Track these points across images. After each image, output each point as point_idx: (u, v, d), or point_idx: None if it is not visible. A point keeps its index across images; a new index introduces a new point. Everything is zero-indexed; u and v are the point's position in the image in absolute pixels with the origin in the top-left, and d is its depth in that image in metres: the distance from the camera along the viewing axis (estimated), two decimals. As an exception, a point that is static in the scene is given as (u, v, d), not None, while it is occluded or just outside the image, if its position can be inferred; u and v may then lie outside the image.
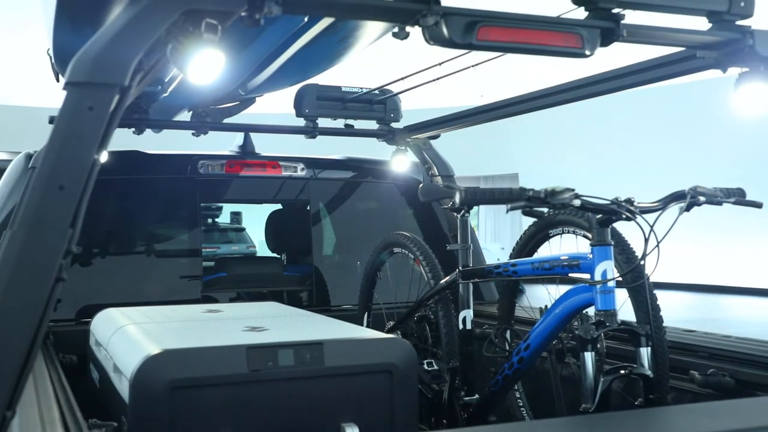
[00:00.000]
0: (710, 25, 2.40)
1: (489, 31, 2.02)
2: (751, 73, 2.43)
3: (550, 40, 2.10)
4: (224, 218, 15.57)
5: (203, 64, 1.84)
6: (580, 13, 2.23)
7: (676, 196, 2.50)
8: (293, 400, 2.35)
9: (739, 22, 2.38)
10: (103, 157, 3.80)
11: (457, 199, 2.31)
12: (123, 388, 2.34)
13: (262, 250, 5.34)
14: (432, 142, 4.50)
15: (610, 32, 2.17)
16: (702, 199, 2.48)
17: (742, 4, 2.35)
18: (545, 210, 2.41)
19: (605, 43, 2.19)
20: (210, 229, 13.67)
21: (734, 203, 2.56)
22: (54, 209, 1.60)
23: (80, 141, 1.63)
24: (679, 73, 2.66)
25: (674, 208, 2.50)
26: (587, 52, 2.15)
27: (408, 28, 2.04)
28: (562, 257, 2.69)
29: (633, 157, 18.12)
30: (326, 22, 2.61)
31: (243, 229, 18.90)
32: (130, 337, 2.62)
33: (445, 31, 1.99)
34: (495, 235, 19.74)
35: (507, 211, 2.34)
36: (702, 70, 2.56)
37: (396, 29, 2.05)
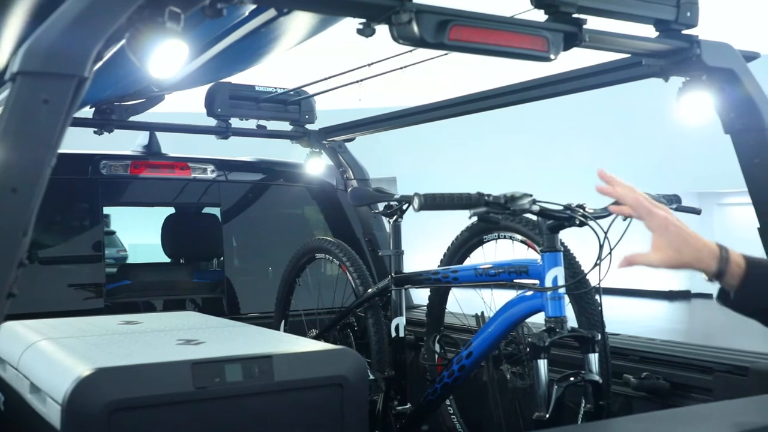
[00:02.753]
0: (657, 33, 2.43)
1: (461, 30, 1.94)
2: (694, 82, 2.47)
3: (519, 42, 2.05)
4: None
5: (165, 56, 1.68)
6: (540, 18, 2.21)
7: (623, 203, 2.50)
8: (241, 418, 2.19)
9: (685, 32, 2.42)
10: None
11: (416, 204, 2.22)
12: (50, 413, 2.11)
13: (155, 255, 5.06)
14: (347, 144, 4.40)
15: (573, 36, 2.15)
16: (648, 205, 2.50)
17: (688, 14, 2.39)
18: (500, 216, 2.36)
19: (568, 47, 2.17)
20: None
21: (675, 209, 2.60)
22: (6, 215, 1.39)
23: (35, 137, 1.44)
24: (622, 80, 2.68)
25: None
26: (552, 56, 2.12)
27: (374, 25, 1.94)
28: (508, 263, 2.66)
29: (504, 163, 18.74)
30: (266, 16, 2.46)
31: (113, 233, 18.13)
32: (50, 354, 2.38)
33: (416, 29, 1.90)
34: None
35: (470, 217, 2.27)
36: (646, 77, 2.59)
37: (361, 26, 1.94)
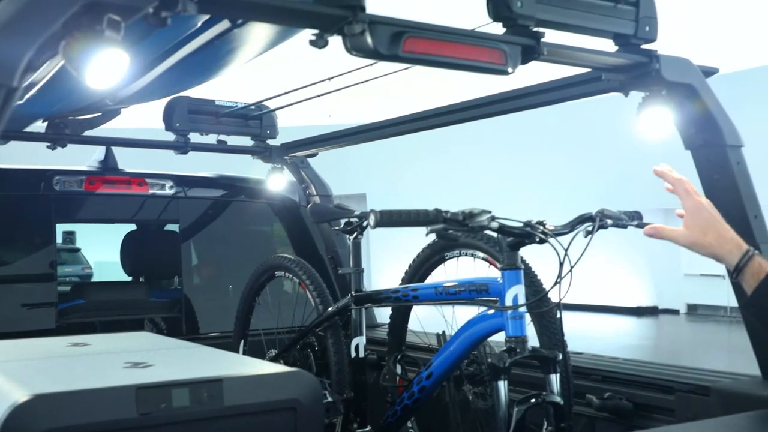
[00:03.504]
0: (616, 48, 2.40)
1: (416, 42, 1.89)
2: (653, 97, 2.44)
3: (475, 55, 2.00)
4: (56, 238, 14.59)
5: (103, 66, 1.60)
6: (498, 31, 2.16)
7: (584, 219, 2.46)
8: (189, 446, 2.10)
9: (644, 46, 2.40)
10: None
11: (372, 221, 2.16)
12: None
13: (115, 273, 4.94)
14: (309, 160, 4.33)
15: (531, 50, 2.11)
16: (609, 222, 2.46)
17: (647, 28, 2.37)
18: (459, 233, 2.30)
19: (526, 60, 2.13)
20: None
21: (636, 226, 2.57)
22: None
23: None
24: (583, 95, 2.65)
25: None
26: (509, 70, 2.07)
27: (327, 37, 1.88)
28: (468, 281, 2.60)
29: (485, 179, 18.78)
30: (221, 27, 2.39)
31: (78, 250, 17.82)
32: (-13, 378, 2.26)
33: (369, 40, 1.85)
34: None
35: (426, 234, 2.21)
36: (606, 92, 2.56)
37: (314, 37, 1.88)
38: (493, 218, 2.27)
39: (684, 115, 2.45)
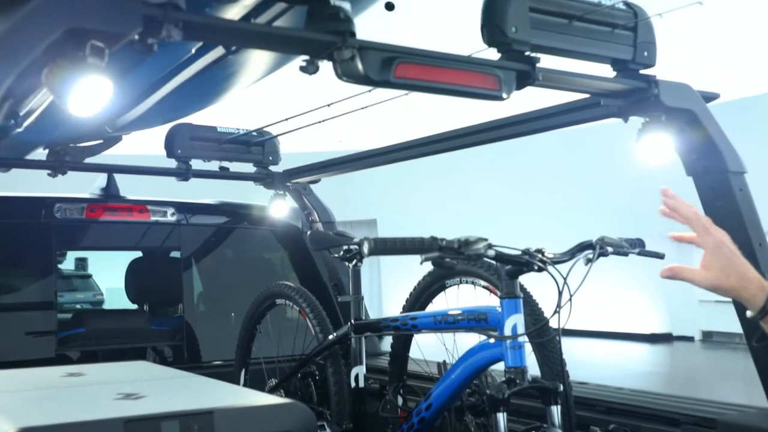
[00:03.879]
0: (615, 73, 2.37)
1: (407, 68, 1.87)
2: (653, 123, 2.41)
3: (469, 80, 1.97)
4: (68, 264, 14.59)
5: (86, 93, 1.58)
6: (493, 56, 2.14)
7: (584, 246, 2.42)
8: (178, 481, 2.05)
9: (643, 71, 2.37)
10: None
11: (365, 249, 2.12)
12: None
13: (121, 300, 4.91)
14: (312, 186, 4.31)
15: (526, 75, 2.09)
16: (609, 249, 2.41)
17: (646, 53, 2.35)
18: (455, 261, 2.26)
19: (521, 86, 2.10)
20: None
21: (638, 254, 2.52)
22: None
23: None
24: (581, 120, 2.61)
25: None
26: (504, 95, 2.05)
27: (319, 62, 1.86)
28: (467, 310, 2.55)
29: (492, 205, 18.72)
30: (215, 54, 2.38)
31: (89, 276, 17.84)
32: (-25, 410, 2.23)
33: (360, 66, 1.83)
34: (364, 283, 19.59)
35: (421, 263, 2.17)
36: (605, 117, 2.52)
37: (304, 63, 1.86)
38: (489, 246, 2.22)
39: (685, 141, 2.41)
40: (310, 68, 1.87)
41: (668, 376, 13.44)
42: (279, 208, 4.21)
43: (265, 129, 4.03)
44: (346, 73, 1.85)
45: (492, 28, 2.06)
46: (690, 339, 17.95)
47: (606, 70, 2.38)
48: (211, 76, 2.62)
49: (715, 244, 1.63)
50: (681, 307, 17.63)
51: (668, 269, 1.64)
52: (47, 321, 3.74)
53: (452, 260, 2.19)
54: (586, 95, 2.51)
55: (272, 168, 4.17)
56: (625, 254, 2.48)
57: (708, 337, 17.79)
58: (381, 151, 3.69)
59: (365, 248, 2.12)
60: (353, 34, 1.81)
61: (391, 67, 1.84)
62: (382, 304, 20.52)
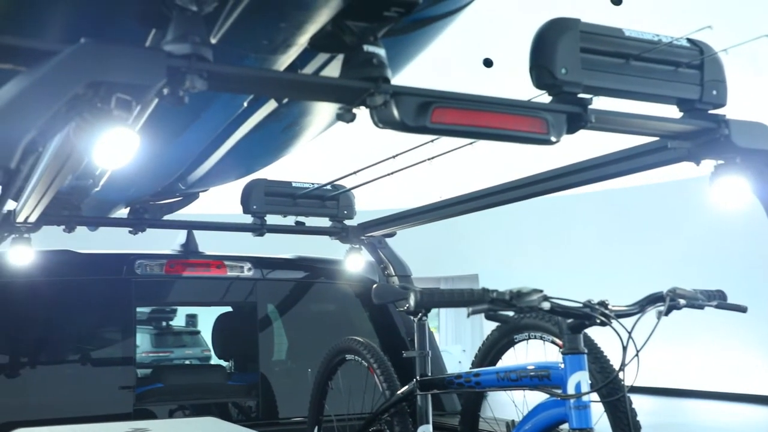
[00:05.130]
0: (681, 114, 2.23)
1: (444, 113, 1.80)
2: (727, 166, 2.24)
3: (513, 124, 1.89)
4: (179, 321, 15.04)
5: (112, 147, 1.58)
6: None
7: (654, 299, 2.26)
8: None
9: (712, 111, 2.21)
10: (29, 256, 3.48)
11: (411, 301, 2.05)
12: None
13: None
14: (388, 240, 4.25)
15: (578, 118, 1.98)
16: (682, 302, 2.24)
17: (714, 92, 2.20)
18: (510, 314, 2.14)
19: (572, 129, 2.00)
20: (163, 333, 13.15)
21: (716, 307, 2.34)
22: None
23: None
24: (651, 165, 2.46)
25: (652, 313, 2.27)
26: (553, 139, 1.94)
27: (355, 110, 1.82)
28: (529, 367, 2.42)
29: (597, 258, 18.16)
30: (268, 108, 2.39)
31: (198, 332, 18.32)
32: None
33: (395, 112, 1.77)
34: (456, 336, 19.35)
35: (468, 315, 2.07)
36: (675, 162, 2.37)
37: (341, 111, 1.83)
38: (545, 298, 2.10)
39: (764, 183, 2.23)
40: (346, 116, 1.83)
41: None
42: (354, 262, 4.18)
43: (339, 183, 4.02)
44: (383, 120, 1.80)
45: (540, 71, 1.98)
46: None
47: (672, 111, 2.25)
48: (268, 130, 2.63)
49: None
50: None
51: None
52: (126, 376, 3.79)
53: (504, 313, 2.08)
54: (654, 138, 2.37)
55: (347, 222, 4.15)
56: (701, 307, 2.30)
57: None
58: (456, 201, 3.61)
59: (411, 300, 2.04)
60: (387, 80, 1.77)
61: (427, 113, 1.78)
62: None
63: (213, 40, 1.82)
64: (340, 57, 1.95)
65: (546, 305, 2.09)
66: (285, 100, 2.30)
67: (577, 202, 15.60)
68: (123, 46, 1.53)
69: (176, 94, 1.63)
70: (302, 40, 1.88)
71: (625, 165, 2.50)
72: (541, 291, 2.10)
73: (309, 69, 2.11)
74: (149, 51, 1.56)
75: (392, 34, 1.96)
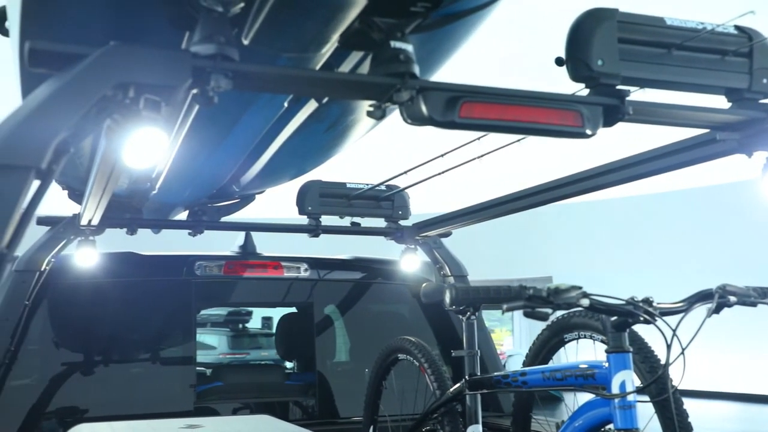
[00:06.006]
0: (729, 104, 2.15)
1: (473, 107, 1.78)
2: (781, 157, 2.16)
3: (545, 117, 1.85)
4: (255, 323, 15.29)
5: (141, 146, 1.63)
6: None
7: (703, 296, 2.19)
8: None
9: (763, 101, 2.13)
10: (94, 258, 3.60)
11: (447, 297, 2.03)
12: None
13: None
14: (445, 240, 4.23)
15: (615, 110, 1.93)
16: (732, 299, 2.16)
17: (765, 80, 2.11)
18: (548, 311, 2.10)
19: (609, 122, 1.95)
20: (239, 335, 13.41)
21: (770, 304, 2.24)
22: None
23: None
24: (700, 159, 2.38)
25: (701, 310, 2.19)
26: (588, 132, 1.90)
27: (385, 106, 1.82)
28: (575, 366, 2.37)
29: (677, 259, 17.64)
30: (309, 108, 2.41)
31: (273, 335, 18.58)
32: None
33: (423, 108, 1.76)
34: (530, 339, 19.09)
35: (503, 312, 2.04)
36: (725, 155, 2.28)
37: (371, 108, 1.83)
38: (584, 294, 2.05)
39: (820, 175, 2.14)
40: (376, 113, 1.83)
41: None
42: (410, 262, 4.17)
43: (391, 182, 4.02)
44: (411, 116, 1.79)
45: (576, 63, 1.94)
46: None
47: (720, 103, 2.17)
48: (311, 131, 2.65)
49: None
50: None
51: None
52: (187, 375, 3.88)
53: (542, 311, 2.04)
54: (703, 131, 2.30)
55: (402, 222, 4.14)
56: (753, 304, 2.22)
57: None
58: (506, 199, 3.56)
59: (447, 297, 2.02)
60: (414, 75, 1.76)
61: (455, 107, 1.77)
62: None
63: (245, 41, 1.86)
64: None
65: (585, 302, 2.05)
66: (324, 100, 2.32)
67: (655, 202, 15.17)
68: (149, 48, 1.57)
69: (206, 94, 1.66)
70: (332, 39, 1.89)
71: (673, 159, 2.43)
72: (580, 287, 2.06)
73: (345, 67, 2.12)
74: (175, 52, 1.60)
75: (425, 30, 1.95)
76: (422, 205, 4.19)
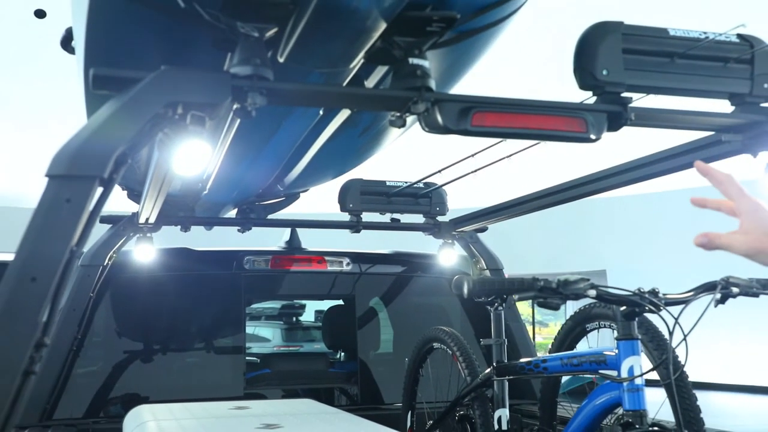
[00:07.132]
0: (733, 108, 2.30)
1: (484, 116, 1.97)
2: (784, 156, 2.29)
3: (551, 124, 2.03)
4: (308, 316, 15.65)
5: (188, 156, 1.86)
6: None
7: (707, 287, 2.34)
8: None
9: (764, 104, 2.27)
10: (151, 254, 3.89)
11: (465, 289, 2.22)
12: None
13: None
14: (492, 235, 4.41)
15: (618, 116, 2.10)
16: (735, 290, 2.31)
17: (766, 85, 2.25)
18: (559, 302, 2.28)
19: (613, 127, 2.12)
20: (293, 327, 13.80)
21: (773, 294, 2.38)
22: (25, 301, 1.60)
23: (56, 233, 1.64)
24: (707, 160, 2.51)
25: (706, 300, 2.34)
26: (592, 137, 2.07)
27: (405, 116, 2.02)
28: (588, 353, 2.55)
29: (734, 255, 17.33)
30: (343, 115, 2.62)
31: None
32: (147, 433, 2.59)
33: (438, 117, 1.96)
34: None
35: (514, 302, 2.23)
36: (731, 155, 2.42)
37: (393, 117, 2.04)
38: (592, 286, 2.23)
39: (821, 174, 2.26)
40: (397, 122, 2.03)
41: None
42: (447, 256, 4.36)
43: (429, 179, 4.21)
44: (428, 125, 1.99)
45: (583, 72, 2.11)
46: None
47: (723, 107, 2.31)
48: (346, 135, 2.87)
49: (751, 206, 1.49)
50: None
51: (702, 236, 1.49)
52: (237, 363, 4.15)
53: (553, 301, 2.22)
54: (709, 134, 2.44)
55: (440, 218, 4.33)
56: (756, 295, 2.36)
57: None
58: (541, 194, 3.71)
59: (465, 288, 2.22)
60: (429, 89, 1.96)
61: (468, 117, 1.96)
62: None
63: (281, 59, 2.08)
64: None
65: (592, 293, 2.22)
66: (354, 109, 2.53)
67: (708, 194, 15.02)
68: (195, 71, 1.80)
69: (245, 109, 1.89)
70: (358, 55, 2.09)
71: (682, 159, 2.57)
72: (588, 279, 2.23)
73: (372, 79, 2.33)
74: (217, 74, 1.82)
75: (442, 46, 2.14)
76: (456, 201, 4.36)
